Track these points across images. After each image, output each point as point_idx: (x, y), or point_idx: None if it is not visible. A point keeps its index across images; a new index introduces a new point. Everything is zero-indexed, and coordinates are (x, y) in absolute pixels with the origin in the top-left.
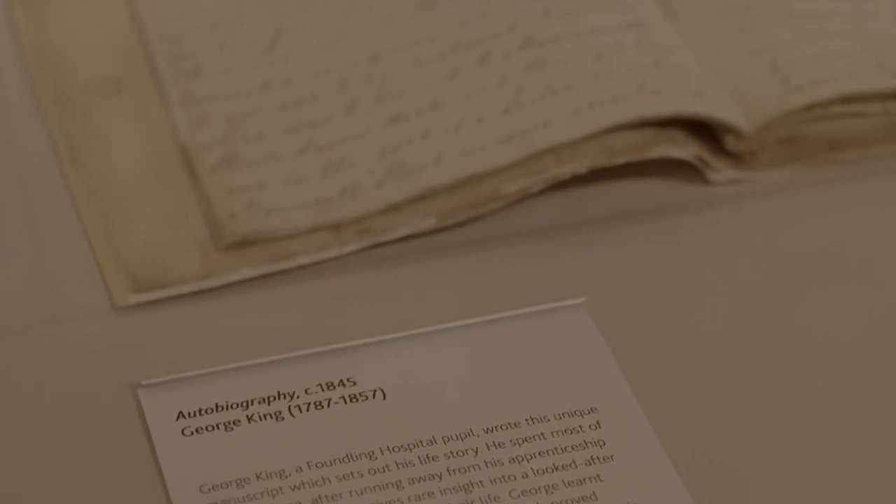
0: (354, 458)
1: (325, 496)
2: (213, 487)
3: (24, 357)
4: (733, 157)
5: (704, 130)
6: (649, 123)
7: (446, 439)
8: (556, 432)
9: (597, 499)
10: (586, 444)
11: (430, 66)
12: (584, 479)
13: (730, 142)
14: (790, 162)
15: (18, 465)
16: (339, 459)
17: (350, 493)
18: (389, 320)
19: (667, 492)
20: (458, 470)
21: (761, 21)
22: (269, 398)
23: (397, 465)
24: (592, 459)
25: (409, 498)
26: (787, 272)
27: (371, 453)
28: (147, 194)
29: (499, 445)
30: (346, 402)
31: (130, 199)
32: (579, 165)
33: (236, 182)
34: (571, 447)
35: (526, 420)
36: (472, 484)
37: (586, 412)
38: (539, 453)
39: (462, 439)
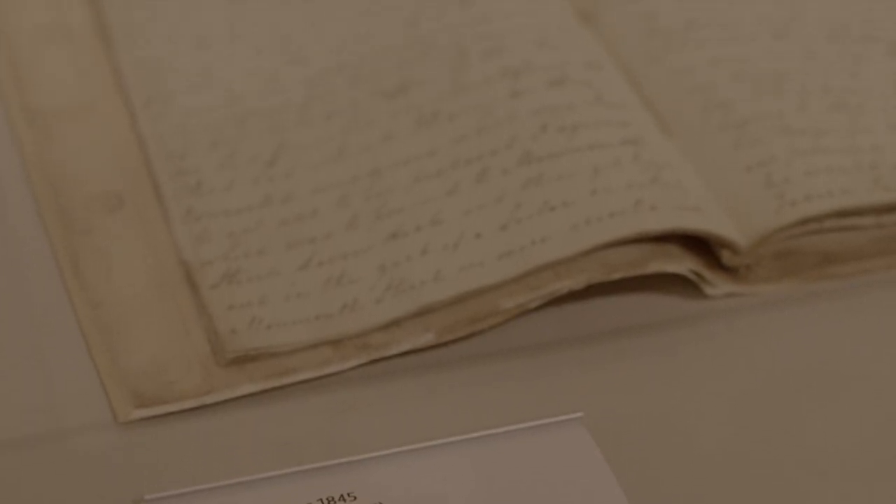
0: None
1: None
2: None
3: (27, 471)
4: (730, 272)
5: (701, 244)
6: (646, 239)
7: None
8: None
9: None
10: None
11: (429, 182)
12: None
13: (726, 256)
14: (786, 276)
15: None
16: None
17: None
18: (389, 434)
19: None
20: None
21: (757, 137)
22: None
23: None
24: None
25: None
26: (785, 385)
27: None
28: (149, 310)
29: None
30: None
31: (132, 315)
32: (577, 281)
33: (237, 298)
34: None
35: None
36: None
37: None
38: None
39: None
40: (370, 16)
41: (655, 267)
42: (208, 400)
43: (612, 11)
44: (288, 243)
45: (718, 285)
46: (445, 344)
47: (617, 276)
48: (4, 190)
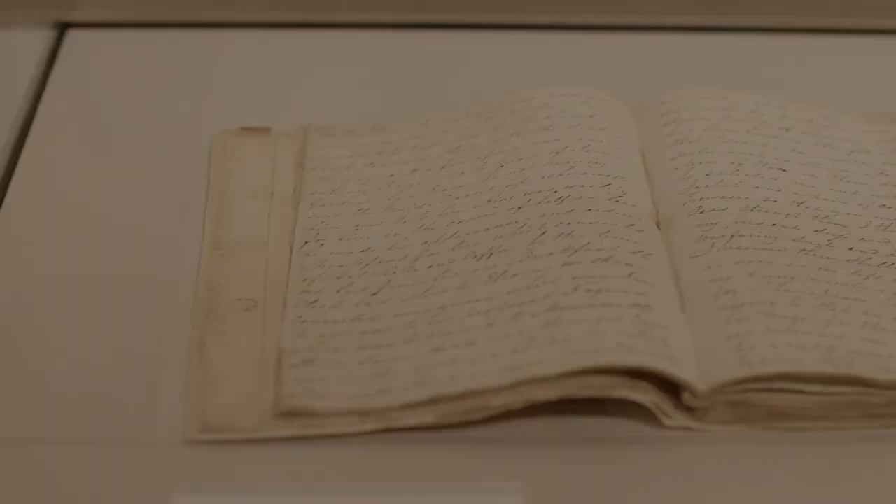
0: None
1: None
2: None
3: (105, 466)
4: (689, 410)
5: (670, 386)
6: (621, 372)
7: None
8: None
9: None
10: None
11: (478, 318)
12: None
13: (686, 397)
14: (737, 421)
15: None
16: None
17: None
18: (366, 476)
19: None
20: None
21: (745, 317)
22: None
23: None
24: None
25: None
26: None
27: None
28: (242, 375)
29: None
30: None
31: (229, 376)
32: (553, 394)
33: (305, 375)
34: None
35: None
36: None
37: None
38: None
39: None
40: (491, 203)
41: (621, 393)
42: (255, 436)
43: (681, 222)
44: (360, 346)
45: (675, 419)
46: (443, 427)
47: (586, 394)
48: (179, 292)
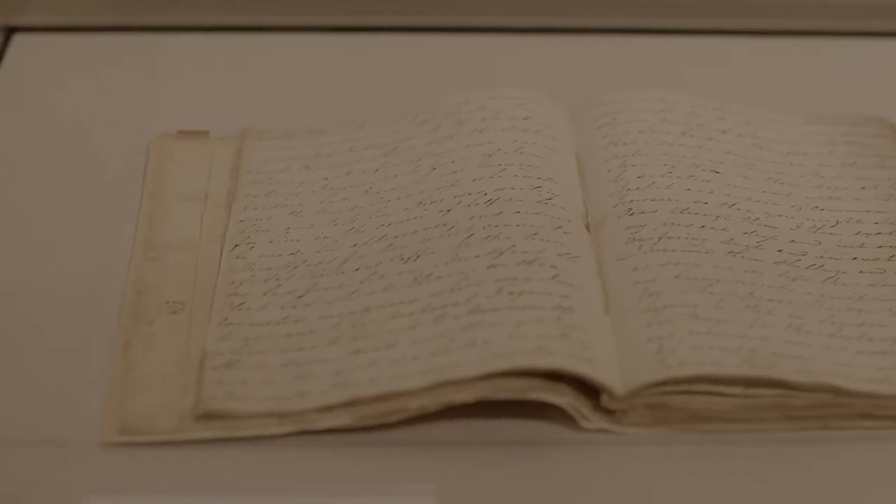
0: None
1: None
2: None
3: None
4: (609, 413)
5: (591, 390)
6: (539, 375)
7: None
8: None
9: None
10: None
11: (401, 320)
12: None
13: (605, 400)
14: (656, 424)
15: None
16: None
17: None
18: (282, 477)
19: None
20: None
21: (667, 319)
22: None
23: None
24: None
25: None
26: None
27: None
28: (163, 377)
29: None
30: None
31: (151, 378)
32: (470, 396)
33: (227, 378)
34: None
35: None
36: None
37: None
38: None
39: None
40: (421, 206)
41: (537, 395)
42: (174, 438)
43: (610, 224)
44: (283, 349)
45: (594, 421)
46: (361, 429)
47: (503, 396)
48: (108, 293)
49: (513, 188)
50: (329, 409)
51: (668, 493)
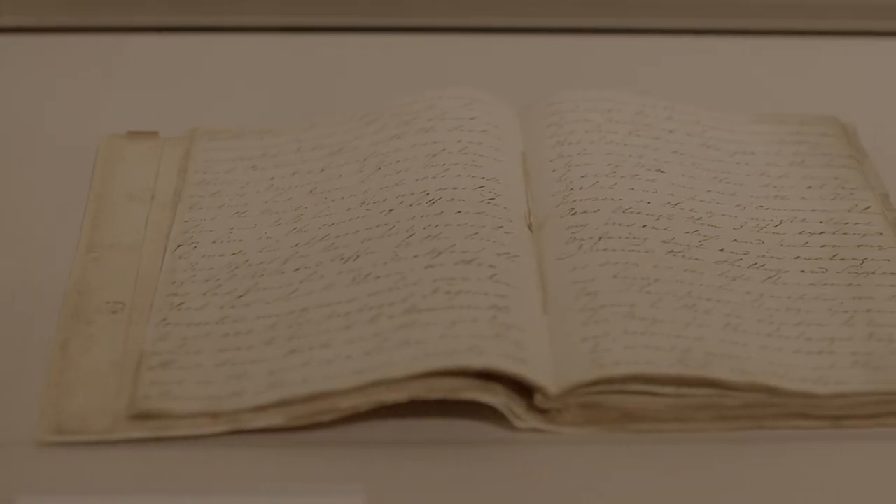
0: None
1: None
2: None
3: None
4: (542, 412)
5: (526, 390)
6: (472, 374)
7: None
8: None
9: None
10: None
11: (336, 320)
12: None
13: (538, 399)
14: (589, 423)
15: None
16: None
17: None
18: (214, 479)
19: None
20: None
21: (603, 318)
22: None
23: None
24: None
25: None
26: None
27: None
28: (98, 376)
29: None
30: None
31: (87, 377)
32: (402, 395)
33: (162, 377)
34: None
35: None
36: None
37: None
38: None
39: None
40: (364, 206)
41: (470, 395)
42: (107, 437)
43: (552, 224)
44: (220, 349)
45: (527, 421)
46: (294, 428)
47: (436, 396)
48: (51, 293)
49: (455, 188)
50: (262, 408)
51: (601, 492)
